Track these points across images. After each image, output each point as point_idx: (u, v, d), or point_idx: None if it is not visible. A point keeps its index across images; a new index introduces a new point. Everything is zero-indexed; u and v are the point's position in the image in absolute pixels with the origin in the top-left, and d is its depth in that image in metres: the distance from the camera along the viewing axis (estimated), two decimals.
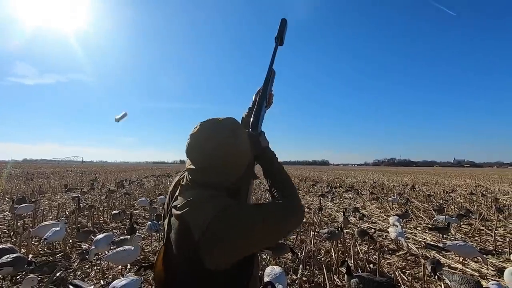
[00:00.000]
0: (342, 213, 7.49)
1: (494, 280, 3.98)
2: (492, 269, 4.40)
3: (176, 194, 1.13)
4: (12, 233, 5.76)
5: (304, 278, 3.85)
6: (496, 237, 5.80)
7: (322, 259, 4.61)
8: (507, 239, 5.79)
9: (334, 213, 9.01)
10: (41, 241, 4.82)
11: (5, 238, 5.62)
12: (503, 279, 3.39)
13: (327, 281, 3.64)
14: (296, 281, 3.55)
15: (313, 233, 5.65)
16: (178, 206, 1.03)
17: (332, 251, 4.76)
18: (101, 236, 4.50)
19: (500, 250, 5.32)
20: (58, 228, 4.76)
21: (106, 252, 4.31)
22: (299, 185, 17.77)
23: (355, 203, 10.82)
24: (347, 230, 6.27)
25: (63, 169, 45.77)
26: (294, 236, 5.77)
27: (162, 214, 1.20)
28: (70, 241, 5.29)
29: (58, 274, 4.00)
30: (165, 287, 1.08)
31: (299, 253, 4.44)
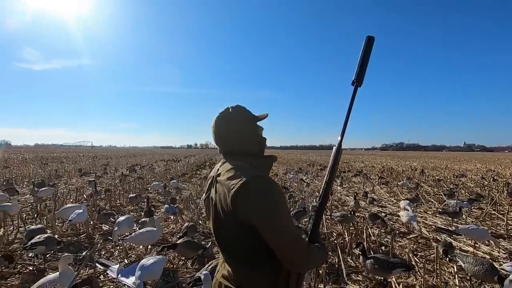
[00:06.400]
0: (353, 197, 7.59)
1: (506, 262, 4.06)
2: (504, 252, 4.48)
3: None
4: (36, 215, 6.04)
5: None
6: (508, 221, 5.83)
7: (335, 241, 4.74)
8: None
9: (343, 197, 9.12)
10: (66, 222, 5.07)
11: (30, 220, 5.91)
12: None
13: (342, 261, 3.78)
14: None
15: (325, 216, 5.76)
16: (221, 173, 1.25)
17: (346, 234, 4.88)
18: (123, 218, 4.71)
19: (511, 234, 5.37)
20: (81, 211, 4.98)
21: (128, 233, 4.51)
22: (307, 170, 17.85)
23: (365, 187, 10.90)
24: (358, 214, 6.38)
25: (74, 153, 46.75)
26: (306, 220, 5.90)
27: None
28: (92, 222, 5.54)
29: (89, 253, 4.23)
30: (218, 240, 1.29)
31: None
